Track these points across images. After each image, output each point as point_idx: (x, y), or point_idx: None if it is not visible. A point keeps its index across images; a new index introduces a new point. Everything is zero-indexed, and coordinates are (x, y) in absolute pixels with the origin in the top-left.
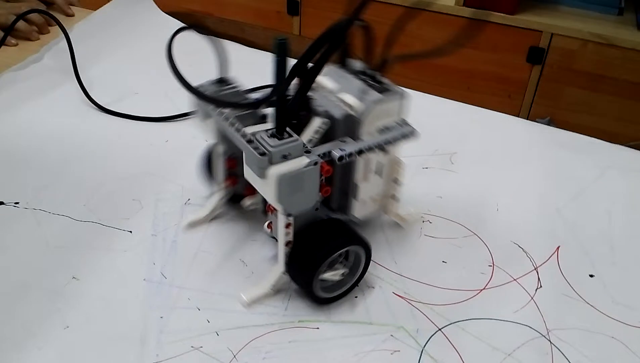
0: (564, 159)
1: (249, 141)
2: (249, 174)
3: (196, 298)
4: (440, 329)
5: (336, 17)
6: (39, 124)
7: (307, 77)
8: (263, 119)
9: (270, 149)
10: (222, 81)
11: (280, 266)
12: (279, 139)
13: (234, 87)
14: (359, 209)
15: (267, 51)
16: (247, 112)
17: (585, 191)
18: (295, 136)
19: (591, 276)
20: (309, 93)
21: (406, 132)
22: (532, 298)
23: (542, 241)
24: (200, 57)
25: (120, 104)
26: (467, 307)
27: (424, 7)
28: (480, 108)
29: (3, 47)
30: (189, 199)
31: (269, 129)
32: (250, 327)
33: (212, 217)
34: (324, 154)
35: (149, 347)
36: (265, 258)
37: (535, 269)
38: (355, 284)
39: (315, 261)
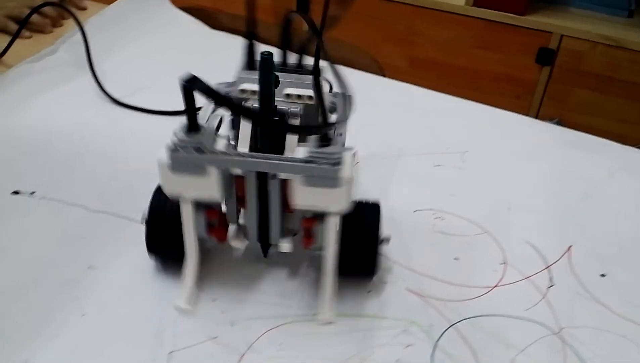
0: (575, 159)
1: (309, 161)
2: (304, 195)
3: (211, 289)
4: (453, 324)
5: (347, 15)
6: (53, 115)
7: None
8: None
9: (338, 156)
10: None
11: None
12: (325, 146)
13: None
14: None
15: (279, 48)
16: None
17: (595, 192)
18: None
19: (602, 275)
20: None
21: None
22: (544, 296)
23: (553, 241)
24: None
25: (134, 97)
26: (480, 304)
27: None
28: (491, 107)
29: (17, 39)
30: None
31: (320, 144)
32: (264, 319)
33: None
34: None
35: (165, 336)
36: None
37: (546, 268)
38: None
39: (375, 230)
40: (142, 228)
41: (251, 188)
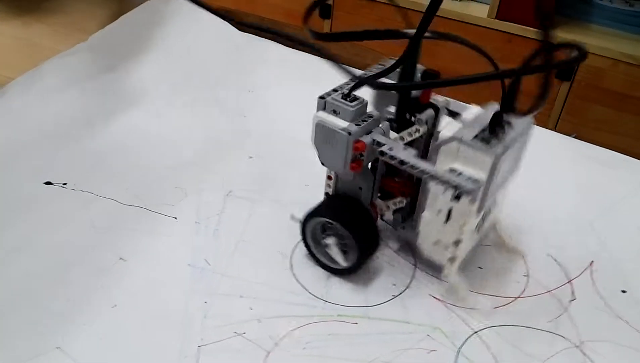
0: (597, 174)
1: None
2: None
3: (238, 286)
4: (476, 332)
5: (366, 22)
6: (86, 108)
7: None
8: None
9: (335, 101)
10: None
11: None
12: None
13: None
14: (424, 246)
15: (305, 51)
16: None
17: (617, 207)
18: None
19: (623, 292)
20: None
21: (462, 185)
22: (566, 309)
23: (575, 255)
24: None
25: (162, 95)
26: (502, 313)
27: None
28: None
29: (52, 32)
30: (230, 190)
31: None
32: (290, 317)
33: None
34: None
35: (194, 330)
36: (302, 251)
37: (568, 282)
38: None
39: None
40: (172, 222)
41: None
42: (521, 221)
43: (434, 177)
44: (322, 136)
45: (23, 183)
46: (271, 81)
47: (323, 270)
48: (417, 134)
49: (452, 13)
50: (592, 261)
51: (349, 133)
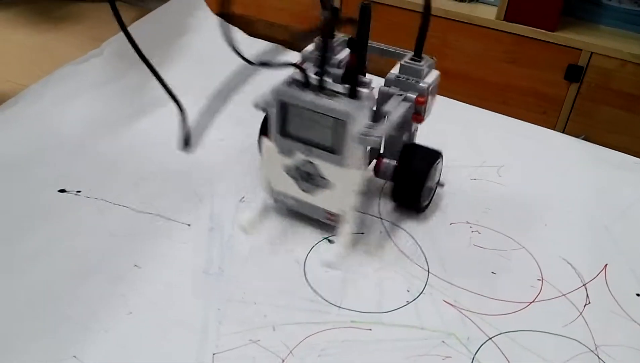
0: (610, 178)
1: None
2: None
3: (252, 293)
4: (490, 338)
5: (375, 24)
6: (98, 116)
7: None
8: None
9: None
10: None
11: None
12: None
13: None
14: None
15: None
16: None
17: (631, 210)
18: None
19: (638, 295)
20: None
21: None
22: (580, 313)
23: (590, 258)
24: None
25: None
26: (517, 319)
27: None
28: (527, 123)
29: (65, 40)
30: (243, 196)
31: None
32: (304, 324)
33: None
34: None
35: (209, 337)
36: (317, 258)
37: (583, 285)
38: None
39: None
40: (186, 229)
41: None
42: (534, 225)
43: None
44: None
45: (38, 190)
46: None
47: (336, 277)
48: None
49: (459, 15)
50: (606, 265)
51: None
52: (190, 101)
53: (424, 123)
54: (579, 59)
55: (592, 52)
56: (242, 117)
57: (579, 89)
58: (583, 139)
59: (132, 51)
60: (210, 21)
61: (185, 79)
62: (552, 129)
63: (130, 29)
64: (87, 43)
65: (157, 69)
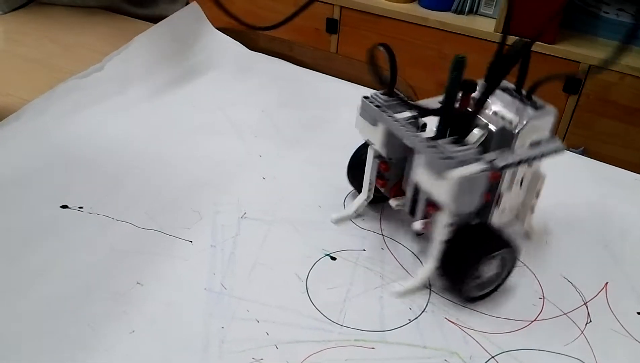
0: (610, 195)
1: (431, 147)
2: (422, 176)
3: (255, 310)
4: (493, 357)
5: (373, 36)
6: (100, 131)
7: (485, 92)
8: (423, 128)
9: (453, 154)
10: (390, 93)
11: (432, 262)
12: (457, 146)
13: (401, 98)
14: (498, 216)
15: (315, 69)
16: (411, 121)
17: (632, 228)
18: (470, 144)
19: (639, 313)
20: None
21: (556, 148)
22: (582, 332)
23: (591, 277)
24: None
25: (176, 115)
26: (519, 337)
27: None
28: None
29: (68, 54)
30: (245, 212)
31: (451, 138)
32: (307, 342)
33: (355, 216)
34: (489, 161)
35: (212, 356)
36: (319, 275)
37: (584, 304)
38: (500, 285)
39: (474, 258)
40: (188, 245)
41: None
42: (535, 243)
43: (542, 155)
44: (463, 188)
45: (40, 206)
46: (283, 100)
47: (339, 294)
48: (483, 138)
49: (458, 28)
50: (607, 283)
51: (486, 170)
52: (189, 113)
53: None
54: (578, 71)
55: (590, 65)
56: (242, 131)
57: (577, 101)
58: (582, 151)
59: (133, 65)
60: (212, 36)
61: (187, 94)
62: None
63: (131, 44)
64: (88, 56)
65: (158, 84)
